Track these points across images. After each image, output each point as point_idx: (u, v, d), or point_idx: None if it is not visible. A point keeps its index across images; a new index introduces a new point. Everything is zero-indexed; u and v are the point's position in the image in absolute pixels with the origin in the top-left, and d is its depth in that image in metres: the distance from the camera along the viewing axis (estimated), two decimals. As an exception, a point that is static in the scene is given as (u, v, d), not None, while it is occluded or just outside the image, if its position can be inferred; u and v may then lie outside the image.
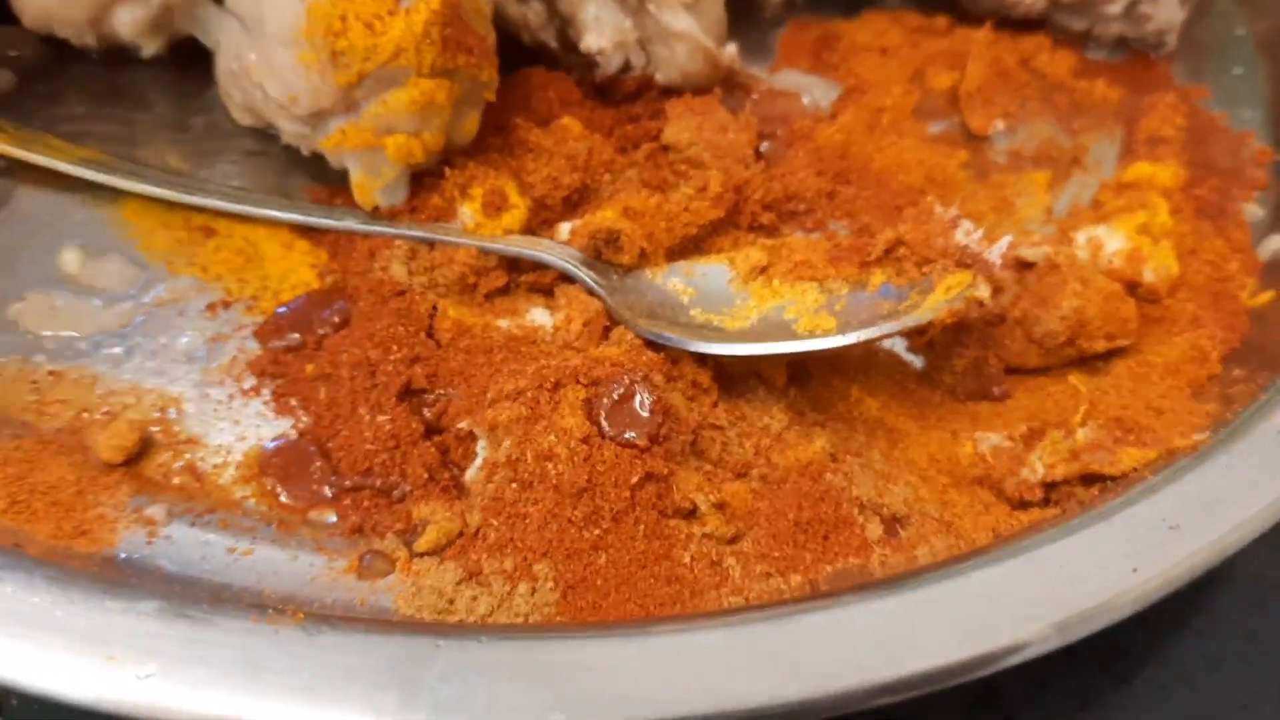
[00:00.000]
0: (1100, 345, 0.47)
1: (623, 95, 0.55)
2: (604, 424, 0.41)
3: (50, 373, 0.45)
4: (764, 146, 0.56)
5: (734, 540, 0.41)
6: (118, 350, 0.46)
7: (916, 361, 0.50)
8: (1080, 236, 0.50)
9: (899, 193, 0.54)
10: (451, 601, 0.38)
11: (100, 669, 0.31)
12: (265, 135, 0.53)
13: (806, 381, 0.47)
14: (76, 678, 0.32)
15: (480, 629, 0.35)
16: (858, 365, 0.49)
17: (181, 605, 0.33)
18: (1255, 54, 0.63)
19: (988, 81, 0.59)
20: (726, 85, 0.56)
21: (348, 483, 0.43)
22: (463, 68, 0.46)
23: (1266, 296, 0.49)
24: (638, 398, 0.41)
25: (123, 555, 0.39)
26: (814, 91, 0.58)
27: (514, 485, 0.41)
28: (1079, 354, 0.47)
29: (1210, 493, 0.38)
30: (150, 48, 0.53)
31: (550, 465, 0.40)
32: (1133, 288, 0.49)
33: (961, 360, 0.48)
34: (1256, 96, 0.61)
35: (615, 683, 0.32)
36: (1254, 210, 0.55)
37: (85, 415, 0.44)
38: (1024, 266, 0.50)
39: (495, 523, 0.40)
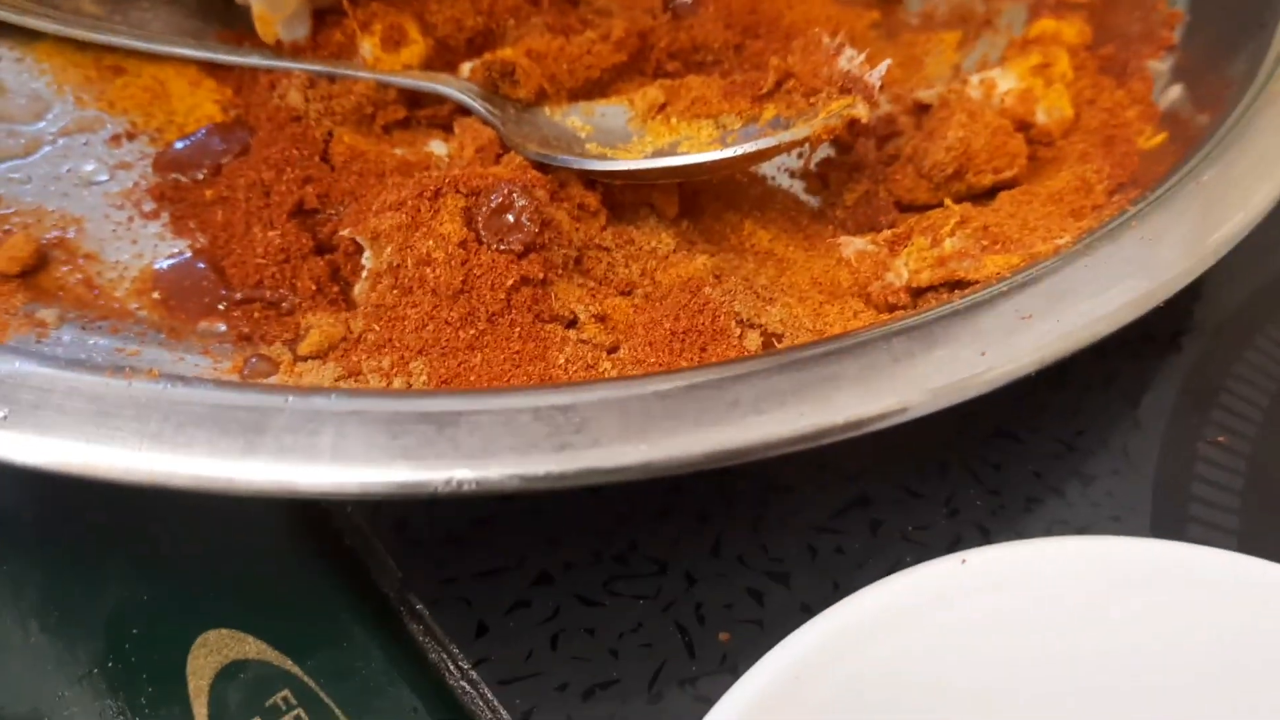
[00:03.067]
0: (987, 179, 0.48)
1: (528, -50, 0.55)
2: (481, 231, 0.42)
3: (-49, 193, 0.46)
4: (675, 3, 0.57)
5: (612, 350, 0.42)
6: (19, 174, 0.47)
7: (813, 202, 0.50)
8: (974, 78, 0.50)
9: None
10: (328, 396, 0.39)
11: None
12: (179, -20, 0.53)
13: (699, 215, 0.48)
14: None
15: (330, 389, 0.36)
16: (753, 202, 0.50)
17: (42, 361, 0.34)
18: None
19: (902, -55, 0.60)
20: (637, -59, 0.57)
21: (239, 296, 0.44)
22: (358, -104, 0.46)
23: (1159, 138, 0.50)
24: (515, 207, 0.42)
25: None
26: (728, -49, 0.59)
27: (395, 291, 0.41)
28: (967, 189, 0.48)
29: (1067, 289, 0.39)
30: (67, -102, 0.53)
31: (428, 270, 0.41)
32: (1025, 127, 0.50)
33: (852, 194, 0.49)
34: (1172, -37, 0.61)
35: (455, 434, 0.33)
36: (1158, 67, 0.55)
37: (-16, 231, 0.45)
38: (921, 110, 0.51)
39: (376, 327, 0.41)
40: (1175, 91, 0.53)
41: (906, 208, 0.49)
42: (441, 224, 0.41)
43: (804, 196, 0.51)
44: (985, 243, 0.42)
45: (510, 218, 0.42)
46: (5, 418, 0.32)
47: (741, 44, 0.55)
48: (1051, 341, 0.38)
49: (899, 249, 0.43)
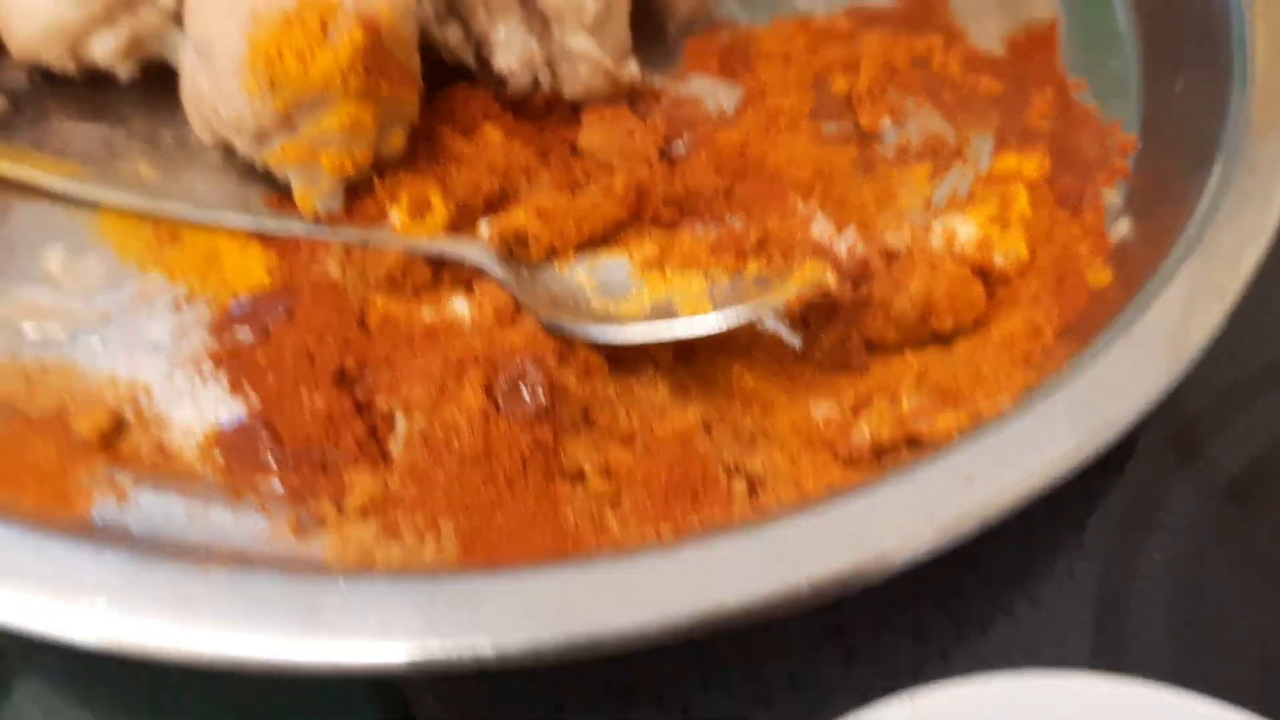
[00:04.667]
0: (949, 323, 0.53)
1: (535, 110, 0.61)
2: (500, 401, 0.48)
3: (38, 362, 0.53)
4: (673, 148, 0.62)
5: (615, 499, 0.48)
6: (95, 342, 0.53)
7: (796, 341, 0.56)
8: (937, 226, 0.56)
9: (789, 188, 0.60)
10: (371, 553, 0.46)
11: (60, 604, 0.39)
12: (227, 148, 0.60)
13: (692, 359, 0.54)
14: (39, 612, 0.39)
15: (375, 573, 0.42)
16: (741, 345, 0.55)
17: (132, 554, 0.41)
18: (1134, 47, 0.68)
19: (878, 81, 0.65)
20: (632, 96, 0.62)
21: (290, 455, 0.50)
22: (386, 93, 0.53)
23: (1106, 276, 0.55)
24: (529, 379, 0.48)
25: (97, 519, 0.47)
26: (719, 96, 0.64)
27: (426, 454, 0.48)
28: (931, 332, 0.54)
29: (1006, 450, 0.45)
30: (125, 72, 0.60)
31: (454, 438, 0.47)
32: (984, 271, 0.56)
33: (829, 338, 0.55)
34: (1129, 87, 0.66)
35: (483, 609, 0.39)
36: (1111, 195, 0.61)
37: (67, 399, 0.51)
38: (891, 255, 0.56)
39: (410, 486, 0.48)
40: (1124, 225, 0.58)
41: (877, 347, 0.55)
42: (465, 396, 0.48)
43: (788, 336, 0.56)
44: (938, 400, 0.48)
45: (525, 390, 0.48)
46: (103, 605, 0.39)
47: (731, 188, 0.60)
48: (992, 504, 0.44)
49: (862, 411, 0.49)
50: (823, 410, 0.49)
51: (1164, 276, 0.51)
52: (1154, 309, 0.50)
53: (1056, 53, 0.69)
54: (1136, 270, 0.55)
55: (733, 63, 0.67)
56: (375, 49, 0.51)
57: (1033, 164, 0.61)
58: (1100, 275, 0.56)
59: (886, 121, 0.64)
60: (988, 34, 0.70)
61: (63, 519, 0.46)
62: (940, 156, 0.64)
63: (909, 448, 0.48)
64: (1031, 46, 0.70)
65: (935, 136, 0.64)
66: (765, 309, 0.50)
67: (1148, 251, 0.56)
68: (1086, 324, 0.53)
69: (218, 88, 0.53)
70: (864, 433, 0.48)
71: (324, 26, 0.50)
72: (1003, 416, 0.46)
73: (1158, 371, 0.48)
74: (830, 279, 0.50)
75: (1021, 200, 0.58)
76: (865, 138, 0.64)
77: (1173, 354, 0.48)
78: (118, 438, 0.51)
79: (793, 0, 0.71)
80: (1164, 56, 0.67)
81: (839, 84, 0.66)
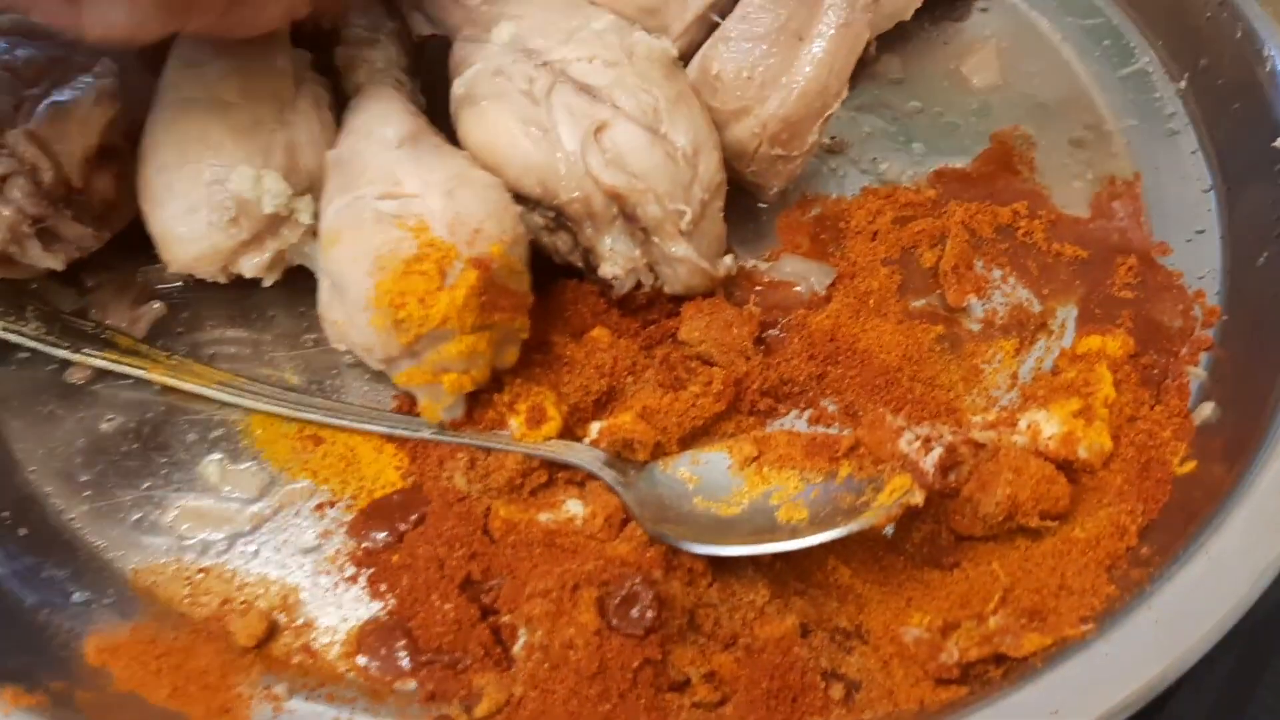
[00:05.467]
0: (1034, 521, 0.56)
1: (638, 306, 0.66)
2: (612, 619, 0.53)
3: (199, 569, 0.59)
4: (769, 333, 0.66)
5: (720, 704, 0.53)
6: (251, 548, 0.60)
7: (888, 530, 0.60)
8: (1022, 422, 0.59)
9: (879, 371, 0.64)
10: (500, 762, 0.51)
11: None
12: (359, 354, 0.65)
13: (790, 555, 0.58)
14: None
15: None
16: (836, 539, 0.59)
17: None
18: (1217, 211, 0.70)
19: (964, 256, 0.68)
20: (729, 282, 0.67)
21: (423, 657, 0.55)
22: (499, 321, 0.58)
23: (1189, 466, 0.58)
24: (638, 597, 0.53)
25: (256, 728, 0.53)
26: (810, 278, 0.68)
27: (545, 665, 0.52)
28: (1018, 526, 0.57)
29: (1088, 680, 0.48)
30: (270, 279, 0.66)
31: (571, 652, 0.52)
32: (1068, 463, 0.58)
33: (920, 532, 0.58)
34: (1213, 255, 0.68)
35: None
36: (1197, 373, 0.63)
37: (226, 605, 0.57)
38: (979, 446, 0.59)
39: (532, 694, 0.52)
40: (1208, 409, 0.60)
41: (965, 538, 0.58)
42: (580, 613, 0.52)
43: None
44: (1024, 620, 0.51)
45: (635, 611, 0.52)
46: None
47: (823, 373, 0.64)
48: (1078, 737, 0.47)
49: (950, 633, 0.52)
50: (912, 635, 0.52)
51: (1245, 484, 0.53)
52: (1232, 523, 0.52)
53: (1141, 212, 0.72)
54: (1219, 460, 0.57)
55: (823, 239, 0.71)
56: (489, 286, 0.57)
57: (1117, 344, 0.63)
58: (1184, 464, 0.58)
59: (972, 297, 0.67)
60: (1072, 193, 0.73)
61: (227, 732, 0.52)
62: (1026, 329, 0.67)
63: (996, 663, 0.51)
64: (1115, 205, 0.72)
65: (1020, 308, 0.67)
66: (856, 529, 0.53)
67: (1231, 441, 0.58)
68: (1169, 518, 0.56)
69: (349, 318, 0.59)
70: (953, 653, 0.51)
71: (442, 272, 0.56)
72: (1085, 642, 0.49)
73: (1236, 592, 0.50)
74: (918, 498, 0.53)
75: (1106, 385, 0.61)
76: (952, 313, 0.67)
77: (1250, 574, 0.50)
78: (270, 641, 0.56)
79: (878, 166, 0.75)
80: (1247, 223, 0.68)
81: (926, 258, 0.69)
